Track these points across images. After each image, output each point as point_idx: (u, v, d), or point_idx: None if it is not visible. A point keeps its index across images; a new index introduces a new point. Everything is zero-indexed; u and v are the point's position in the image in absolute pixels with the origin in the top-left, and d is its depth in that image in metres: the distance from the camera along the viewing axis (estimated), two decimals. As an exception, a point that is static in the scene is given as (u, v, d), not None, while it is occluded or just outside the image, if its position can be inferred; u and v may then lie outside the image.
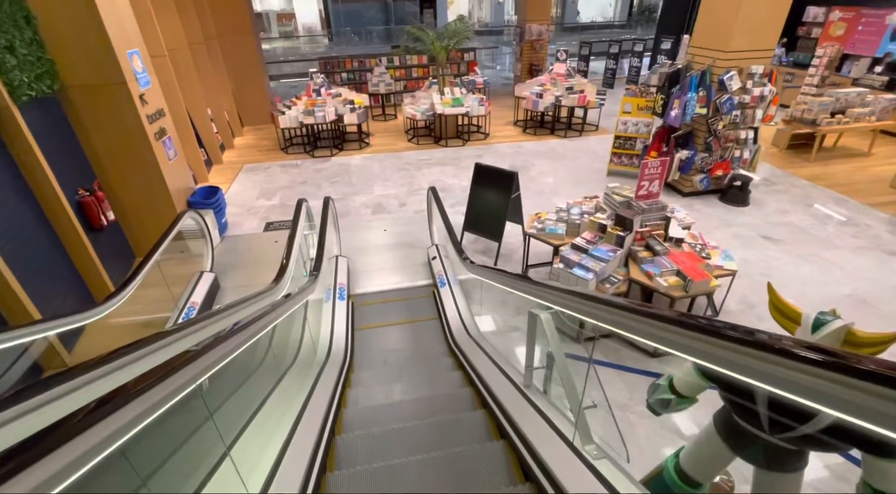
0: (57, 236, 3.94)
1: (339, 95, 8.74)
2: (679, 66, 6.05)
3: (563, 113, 9.13)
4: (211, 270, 4.93)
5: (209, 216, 5.30)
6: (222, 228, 5.84)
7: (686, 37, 6.45)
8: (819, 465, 2.71)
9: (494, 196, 4.99)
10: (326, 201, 4.73)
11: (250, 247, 5.61)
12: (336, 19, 23.60)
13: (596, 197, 4.65)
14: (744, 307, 4.16)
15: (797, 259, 4.86)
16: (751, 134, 6.17)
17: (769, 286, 1.68)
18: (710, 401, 1.82)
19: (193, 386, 1.14)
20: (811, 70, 8.46)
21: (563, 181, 7.09)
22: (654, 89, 6.67)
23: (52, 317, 2.62)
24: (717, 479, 2.07)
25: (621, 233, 3.72)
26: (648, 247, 3.79)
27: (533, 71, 12.13)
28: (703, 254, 3.77)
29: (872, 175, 6.91)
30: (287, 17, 24.29)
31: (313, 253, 4.20)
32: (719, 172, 6.19)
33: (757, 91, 5.73)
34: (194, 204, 5.36)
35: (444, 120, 8.73)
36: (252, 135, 9.89)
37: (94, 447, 0.75)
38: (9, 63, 3.57)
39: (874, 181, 6.68)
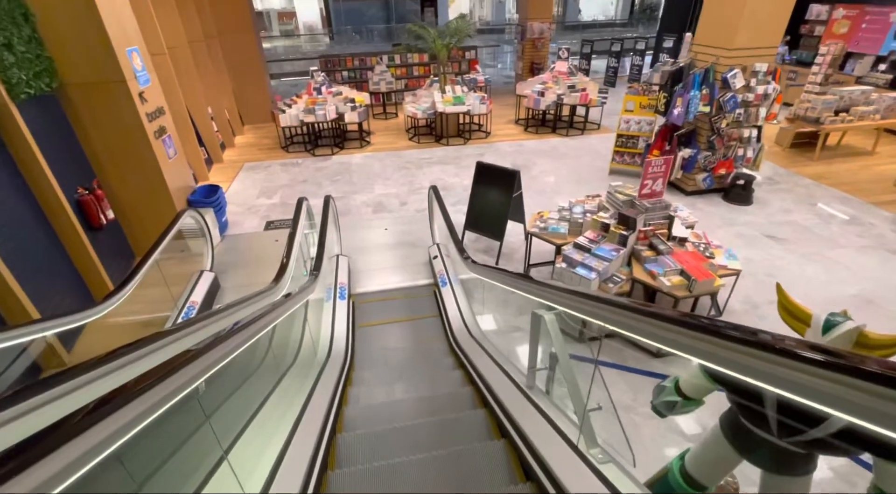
0: (56, 235, 3.91)
1: (340, 94, 8.71)
2: (682, 64, 6.01)
3: (565, 111, 9.08)
4: (211, 269, 4.91)
5: (209, 215, 5.27)
6: (222, 227, 5.81)
7: (688, 35, 6.39)
8: (823, 466, 2.68)
9: (496, 195, 4.95)
10: (327, 200, 4.70)
11: (250, 246, 5.59)
12: (337, 17, 23.56)
13: (598, 195, 4.61)
14: (747, 307, 4.12)
15: (801, 258, 4.83)
16: (754, 132, 6.13)
17: (778, 287, 1.65)
18: (716, 403, 1.79)
19: (193, 386, 1.13)
20: (814, 68, 8.40)
21: (564, 180, 7.05)
22: (656, 87, 6.63)
23: (50, 317, 2.60)
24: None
25: (624, 232, 3.69)
26: (652, 247, 3.76)
27: (534, 69, 12.08)
28: (707, 254, 3.74)
29: (876, 174, 6.87)
30: (288, 15, 24.26)
31: (314, 252, 4.18)
32: (722, 171, 6.15)
33: (761, 89, 5.68)
34: (194, 202, 5.34)
35: (445, 118, 8.70)
36: (253, 133, 9.87)
37: (94, 447, 0.74)
38: (7, 61, 3.54)
39: (878, 180, 6.64)
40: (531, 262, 4.82)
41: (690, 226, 4.10)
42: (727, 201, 6.13)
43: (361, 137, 9.05)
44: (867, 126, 7.48)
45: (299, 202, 4.25)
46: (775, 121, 7.01)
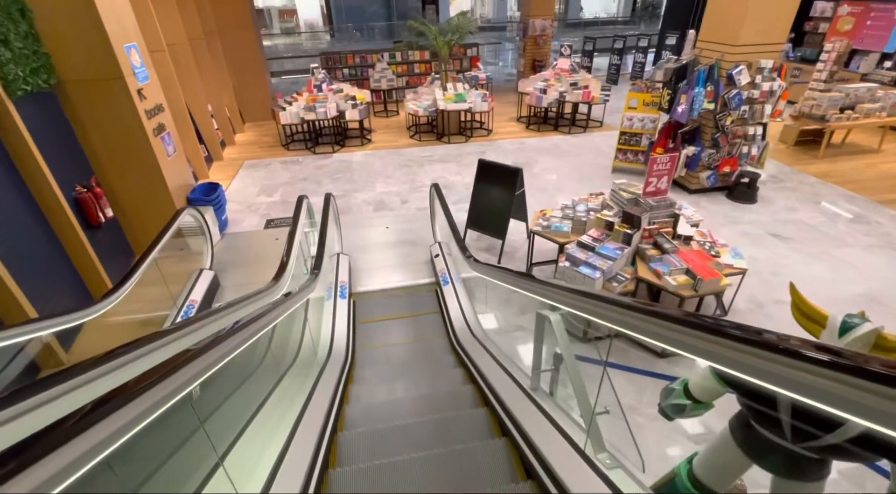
0: (54, 233, 3.87)
1: (341, 91, 8.65)
2: (685, 62, 5.95)
3: (567, 109, 9.02)
4: (210, 268, 4.87)
5: (209, 213, 5.23)
6: (222, 225, 5.78)
7: (692, 32, 6.33)
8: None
9: (498, 193, 4.91)
10: (327, 198, 4.66)
11: (250, 245, 5.55)
12: (338, 15, 23.49)
13: (601, 194, 4.56)
14: (752, 306, 4.08)
15: (807, 257, 4.77)
16: (759, 130, 6.06)
17: (792, 287, 1.60)
18: (725, 406, 1.75)
19: (193, 386, 1.11)
20: (819, 65, 8.33)
21: (567, 178, 7.00)
22: (659, 85, 6.57)
23: (48, 316, 2.57)
24: (729, 485, 2.00)
25: (629, 231, 3.64)
26: (657, 245, 3.71)
27: (536, 67, 12.01)
28: (713, 253, 3.69)
29: (882, 171, 6.80)
30: (289, 13, 24.20)
31: (314, 250, 4.14)
32: (727, 169, 6.09)
33: (766, 86, 5.62)
34: (194, 200, 5.30)
35: (446, 116, 8.64)
36: (253, 131, 9.83)
37: (93, 448, 0.73)
38: (3, 57, 3.50)
39: (884, 178, 6.57)
40: (533, 261, 4.77)
41: (696, 225, 4.05)
42: (731, 199, 6.07)
43: (362, 135, 9.00)
44: (873, 123, 7.41)
45: (299, 200, 4.21)
46: (780, 119, 6.95)
